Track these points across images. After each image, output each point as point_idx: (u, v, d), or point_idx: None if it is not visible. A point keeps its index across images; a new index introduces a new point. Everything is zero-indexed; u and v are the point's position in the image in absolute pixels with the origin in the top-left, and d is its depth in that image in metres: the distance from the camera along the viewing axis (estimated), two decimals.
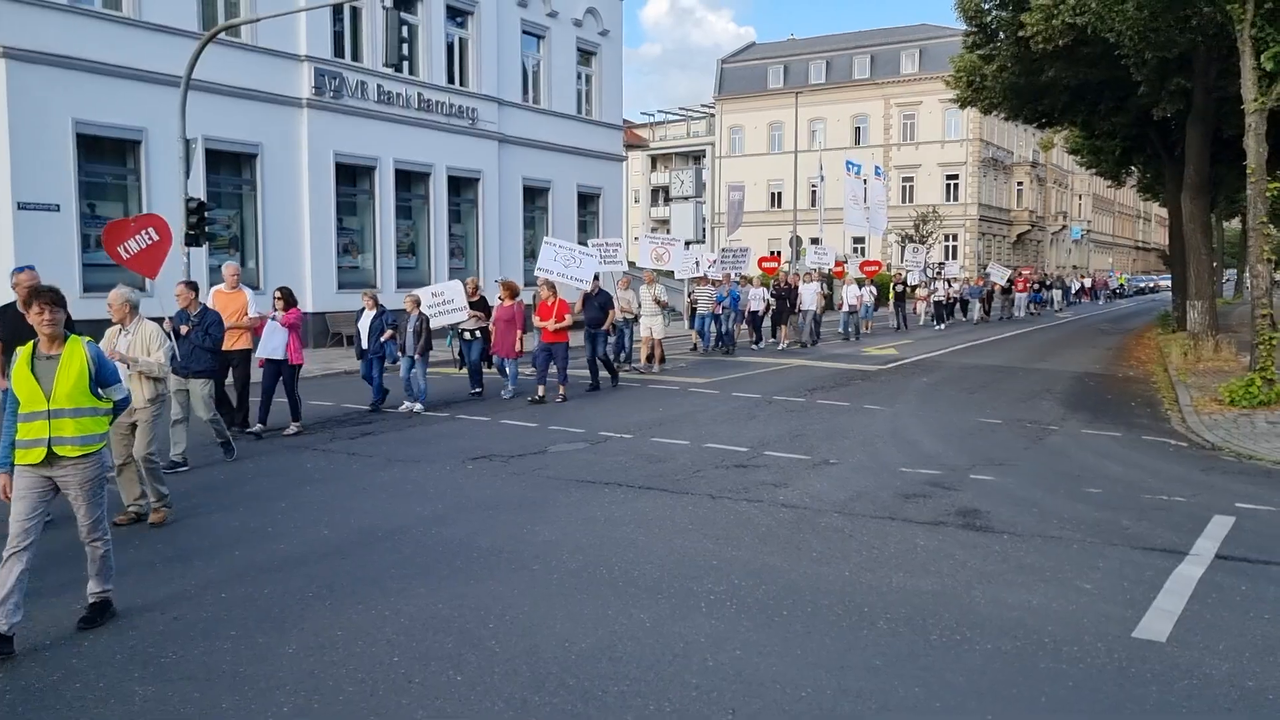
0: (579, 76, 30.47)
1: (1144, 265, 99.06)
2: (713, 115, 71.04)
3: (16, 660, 4.93)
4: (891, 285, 33.59)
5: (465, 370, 15.33)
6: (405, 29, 23.24)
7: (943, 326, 31.91)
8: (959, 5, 23.51)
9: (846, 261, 38.11)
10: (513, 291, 14.62)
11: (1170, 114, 21.74)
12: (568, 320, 14.32)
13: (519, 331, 14.30)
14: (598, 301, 15.86)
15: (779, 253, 47.80)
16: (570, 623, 5.48)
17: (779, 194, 66.15)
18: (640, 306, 18.37)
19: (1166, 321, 29.74)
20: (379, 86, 23.56)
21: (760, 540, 7.17)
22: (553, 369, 14.42)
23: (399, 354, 13.58)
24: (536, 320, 14.30)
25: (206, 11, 20.16)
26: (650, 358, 18.61)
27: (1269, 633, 5.42)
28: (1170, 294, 34.38)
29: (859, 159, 46.80)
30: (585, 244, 19.92)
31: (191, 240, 16.64)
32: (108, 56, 18.28)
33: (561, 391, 14.26)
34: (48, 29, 17.42)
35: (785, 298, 23.74)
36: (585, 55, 30.73)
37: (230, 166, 21.28)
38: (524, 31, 28.14)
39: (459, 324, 14.95)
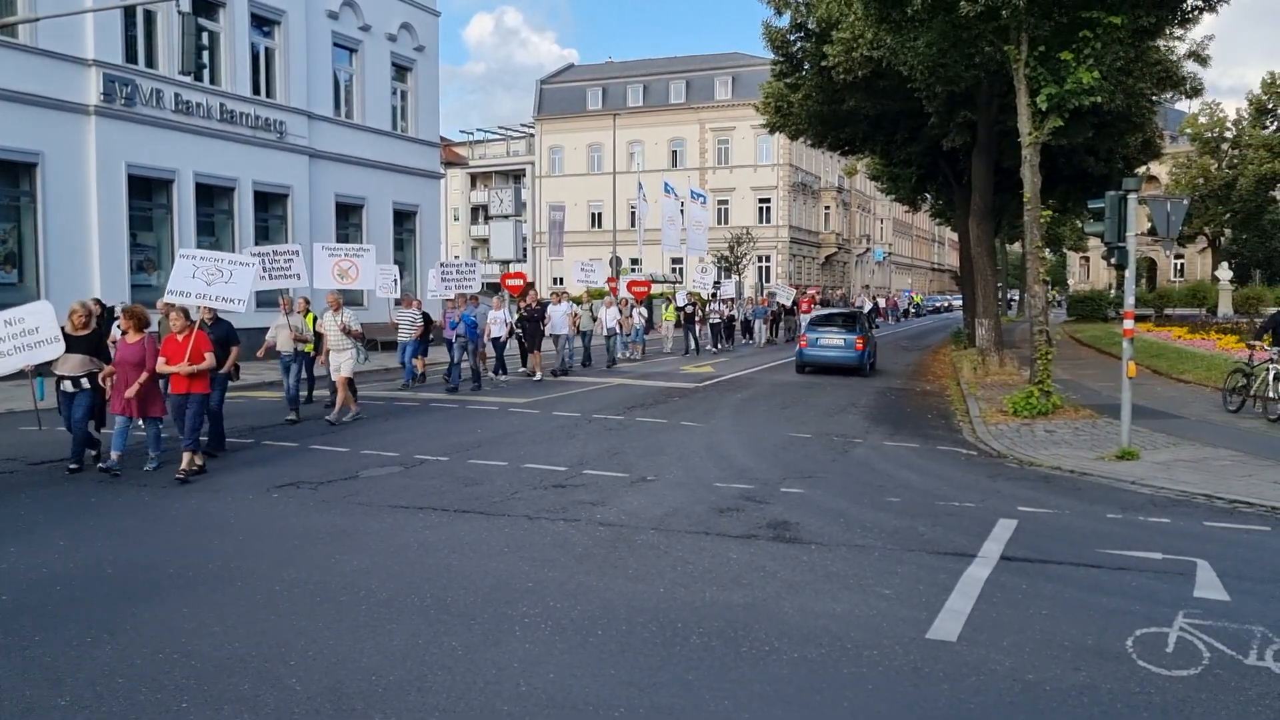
0: (394, 92, 29.83)
1: (940, 285, 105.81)
2: (533, 135, 71.13)
3: None
4: (675, 306, 31.68)
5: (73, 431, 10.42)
6: (205, 36, 22.11)
7: (716, 349, 30.04)
8: (766, 35, 24.55)
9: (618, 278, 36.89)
10: (140, 321, 10.38)
11: (958, 144, 23.35)
12: (208, 360, 10.23)
13: (146, 377, 10.04)
14: (213, 334, 11.08)
15: (643, 274, 48.00)
16: (379, 655, 5.27)
17: (599, 214, 66.89)
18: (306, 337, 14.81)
19: (959, 338, 31.80)
20: (177, 95, 22.29)
21: (577, 560, 7.15)
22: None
23: None
24: (162, 363, 10.10)
25: None
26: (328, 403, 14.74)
27: (1046, 628, 5.83)
28: (961, 312, 36.71)
29: (676, 181, 47.88)
30: (294, 255, 16.04)
31: None
32: None
33: (185, 464, 9.96)
34: None
35: (537, 320, 20.93)
36: (401, 70, 30.12)
37: (6, 177, 19.59)
38: (335, 44, 27.30)
39: (52, 365, 10.45)
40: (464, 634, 5.61)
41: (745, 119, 59.77)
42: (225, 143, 23.62)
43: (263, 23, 25.01)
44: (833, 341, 22.65)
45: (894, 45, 17.38)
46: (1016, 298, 64.93)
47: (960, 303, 41.05)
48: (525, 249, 42.91)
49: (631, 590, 6.46)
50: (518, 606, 6.08)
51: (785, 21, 24.07)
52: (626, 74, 68.46)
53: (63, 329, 10.29)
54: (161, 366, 10.14)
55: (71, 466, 10.22)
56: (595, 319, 24.65)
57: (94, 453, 10.66)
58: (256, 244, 24.70)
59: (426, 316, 19.69)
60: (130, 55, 21.59)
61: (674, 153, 65.71)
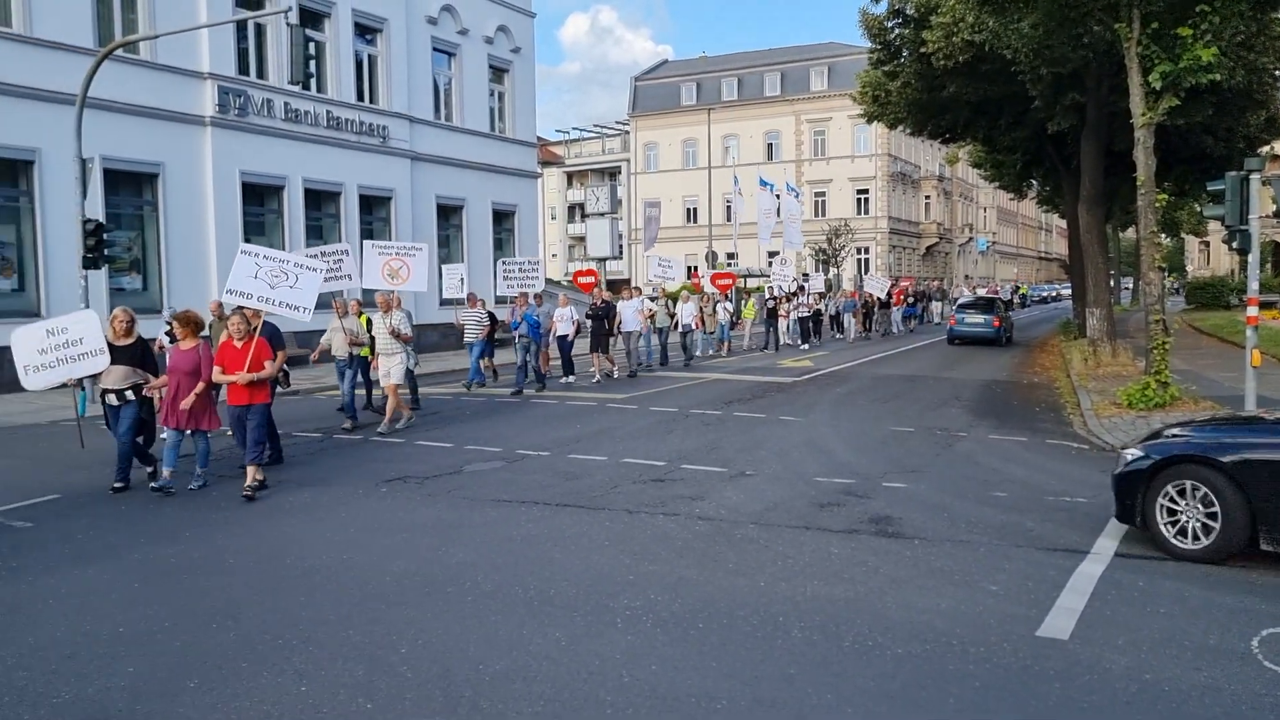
0: (492, 93, 30.35)
1: (1047, 274, 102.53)
2: (628, 132, 71.45)
3: None
4: (763, 301, 30.35)
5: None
6: (312, 46, 22.93)
7: (806, 346, 28.65)
8: (863, 23, 24.14)
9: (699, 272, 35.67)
10: (195, 327, 9.78)
11: (1065, 128, 22.59)
12: (269, 369, 9.60)
13: (203, 386, 9.49)
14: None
15: (719, 266, 47.87)
16: (484, 645, 5.40)
17: (694, 210, 66.78)
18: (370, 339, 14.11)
19: (1068, 329, 30.78)
20: (286, 104, 23.12)
21: (677, 554, 7.18)
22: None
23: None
24: (218, 372, 9.49)
25: (103, 27, 19.54)
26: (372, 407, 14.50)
27: (1165, 626, 5.62)
28: (1071, 302, 35.51)
29: (772, 174, 47.54)
30: (345, 254, 15.16)
31: (90, 263, 16.09)
32: None
33: (250, 480, 9.33)
34: None
35: (603, 318, 19.76)
36: (497, 72, 30.62)
37: (130, 187, 20.62)
38: (435, 49, 27.93)
39: (96, 378, 9.89)
40: (567, 625, 5.70)
41: (842, 109, 58.94)
42: (332, 148, 24.40)
43: (365, 31, 25.74)
44: (976, 320, 28.86)
45: (996, 28, 16.91)
46: (1130, 286, 62.47)
47: (1069, 292, 39.66)
48: (621, 246, 43.20)
49: (732, 584, 6.47)
50: (619, 599, 6.14)
51: (883, 8, 23.64)
52: (720, 68, 68.19)
53: (106, 339, 9.67)
54: (218, 376, 9.42)
55: (116, 485, 9.45)
56: (672, 315, 23.89)
57: (149, 470, 9.92)
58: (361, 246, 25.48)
59: (492, 316, 19.29)
60: (242, 67, 22.49)
61: (769, 146, 65.17)
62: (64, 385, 9.78)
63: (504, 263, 20.64)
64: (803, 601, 6.09)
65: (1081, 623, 5.68)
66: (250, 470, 9.37)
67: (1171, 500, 6.97)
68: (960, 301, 33.65)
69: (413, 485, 9.77)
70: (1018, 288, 67.85)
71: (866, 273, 56.89)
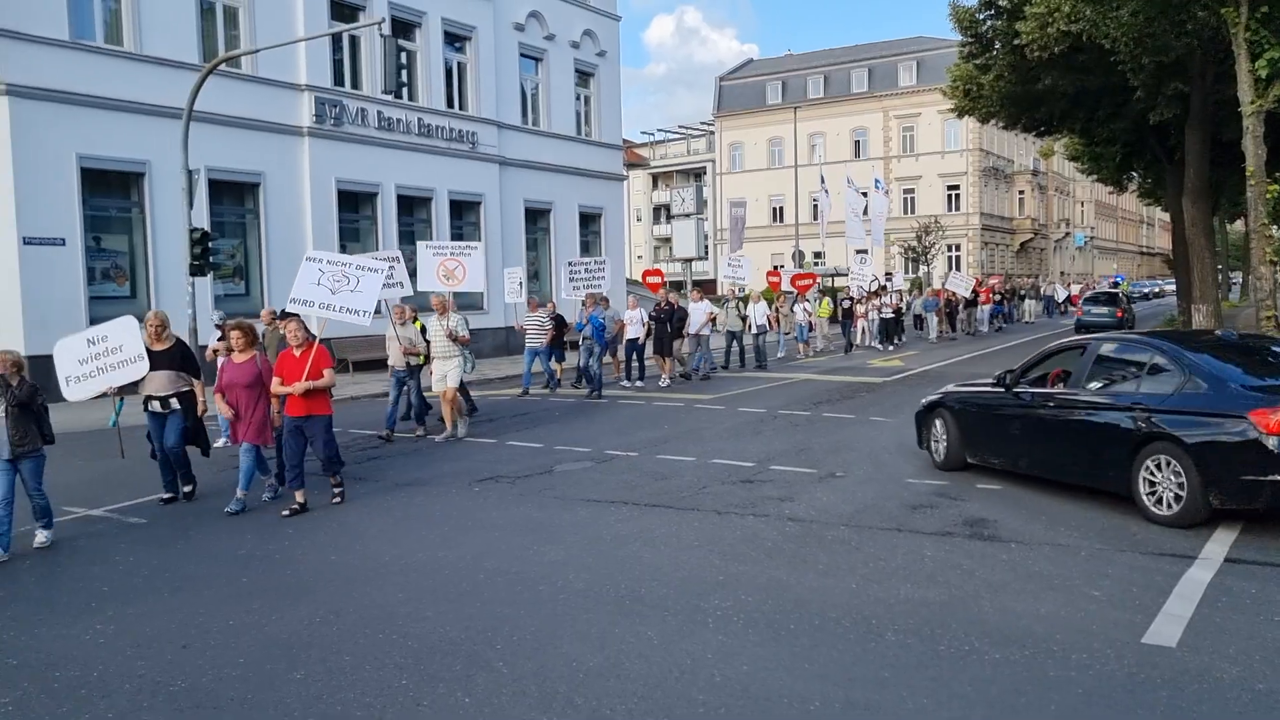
0: (578, 97, 30.66)
1: (1149, 270, 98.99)
2: (712, 133, 71.33)
3: (30, 693, 4.95)
4: (837, 301, 29.16)
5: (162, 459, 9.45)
6: (404, 55, 23.46)
7: (891, 347, 27.87)
8: (954, 16, 23.70)
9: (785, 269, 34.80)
10: (252, 338, 9.32)
11: (1168, 118, 21.81)
12: (328, 378, 9.04)
13: (265, 399, 9.13)
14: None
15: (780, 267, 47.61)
16: (578, 642, 5.47)
17: (780, 209, 66.35)
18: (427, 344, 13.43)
19: (1172, 326, 29.69)
20: (379, 113, 23.73)
21: (767, 555, 7.16)
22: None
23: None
24: (276, 384, 9.05)
25: (207, 44, 20.37)
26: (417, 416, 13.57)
27: (1279, 635, 5.39)
28: (1175, 299, 34.36)
29: (859, 172, 46.93)
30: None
31: (196, 270, 16.77)
32: (110, 91, 18.45)
33: (336, 493, 9.22)
34: (50, 65, 17.59)
35: (666, 321, 19.05)
36: (583, 76, 30.92)
37: (233, 196, 21.42)
38: (522, 54, 28.34)
39: (137, 386, 9.31)
40: (658, 624, 5.73)
41: (931, 105, 57.86)
42: (423, 155, 24.96)
43: (455, 39, 26.26)
44: (1100, 311, 33.06)
45: (1094, 17, 16.44)
46: (1239, 281, 59.89)
47: (1173, 288, 38.35)
48: (707, 246, 43.17)
49: (823, 585, 6.42)
50: (709, 599, 6.15)
51: (974, 0, 23.16)
52: (806, 66, 67.59)
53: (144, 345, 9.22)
54: (277, 387, 9.00)
55: (165, 496, 9.30)
56: (743, 317, 23.15)
57: (188, 489, 9.50)
58: None
59: (560, 319, 18.88)
60: (337, 78, 23.17)
61: (857, 143, 64.34)
62: (103, 395, 9.18)
63: (570, 263, 20.26)
64: (896, 604, 6.02)
65: (1190, 630, 5.49)
66: (333, 480, 9.20)
67: (933, 427, 10.52)
68: (1087, 295, 38.71)
69: (504, 485, 9.94)
70: (1116, 284, 65.47)
71: (957, 270, 55.71)
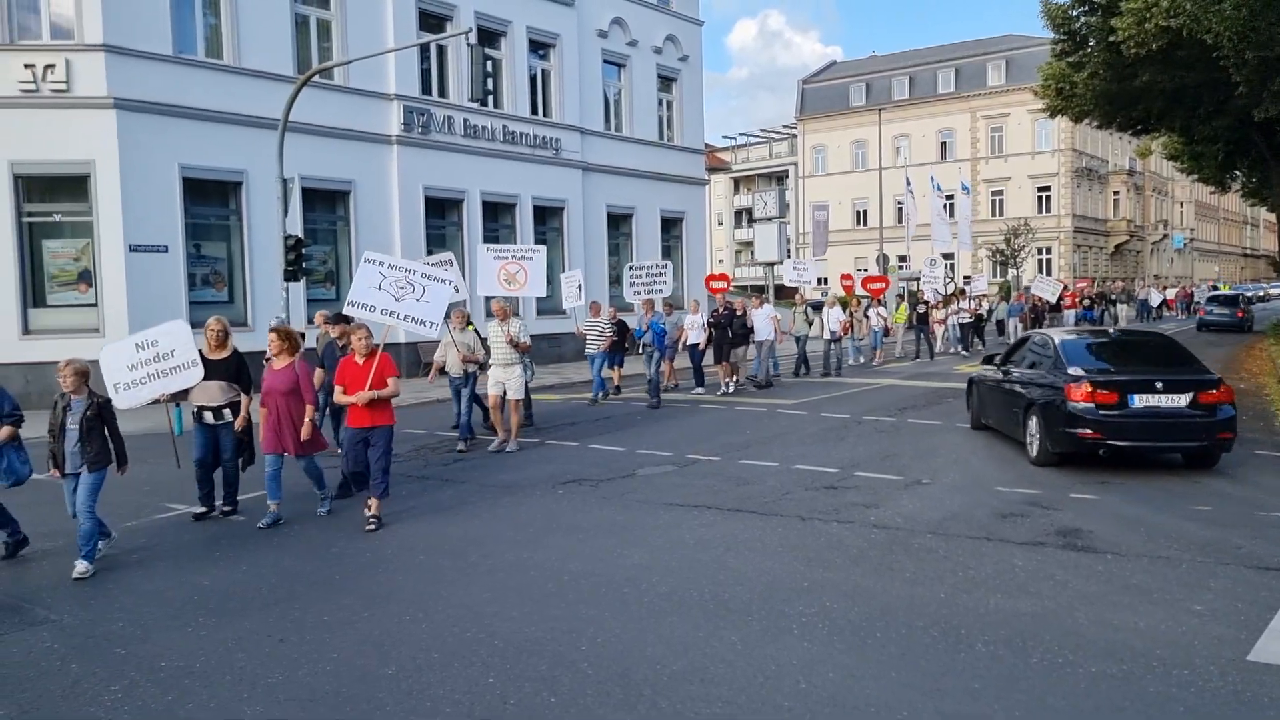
0: (660, 103, 30.74)
1: (1253, 272, 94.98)
2: (794, 136, 70.80)
3: (137, 681, 5.16)
4: (912, 305, 28.66)
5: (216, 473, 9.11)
6: (489, 64, 23.81)
7: (967, 352, 27.05)
8: (1046, 13, 23.13)
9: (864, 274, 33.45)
10: (293, 344, 9.00)
11: (1274, 115, 20.91)
12: (392, 387, 8.66)
13: (306, 410, 8.75)
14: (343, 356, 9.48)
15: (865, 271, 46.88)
16: (661, 645, 5.48)
17: (864, 212, 65.49)
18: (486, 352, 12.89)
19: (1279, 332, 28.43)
20: (465, 121, 24.14)
21: (852, 562, 7.08)
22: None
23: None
24: (339, 392, 8.72)
25: (301, 56, 20.98)
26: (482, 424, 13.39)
27: None
28: None
29: (945, 173, 46.06)
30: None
31: (290, 276, 17.27)
32: (210, 103, 19.14)
33: (371, 519, 8.52)
34: (155, 79, 18.32)
35: (726, 327, 18.34)
36: (666, 81, 30.98)
37: (325, 203, 22.01)
38: (605, 61, 28.53)
39: (189, 393, 8.87)
40: (742, 629, 5.71)
41: (1021, 104, 56.51)
42: (507, 162, 25.29)
43: (539, 47, 26.57)
44: (1222, 311, 35.68)
45: (1195, 11, 15.90)
46: None
47: (1279, 291, 36.94)
48: (789, 250, 42.84)
49: (910, 594, 6.32)
50: (794, 605, 6.11)
51: None
52: (891, 67, 66.63)
53: (200, 351, 8.82)
54: (339, 396, 8.66)
55: (225, 509, 8.98)
56: (811, 322, 22.29)
57: (227, 508, 9.07)
58: None
59: (622, 324, 18.22)
60: (425, 87, 23.64)
61: (943, 144, 63.14)
62: (157, 402, 8.74)
63: (630, 268, 19.72)
64: (986, 614, 5.89)
65: None
66: (374, 503, 8.55)
67: (970, 397, 13.64)
68: (1209, 296, 41.70)
69: (588, 488, 10.01)
70: (1215, 287, 62.81)
71: (1045, 274, 54.20)
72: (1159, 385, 10.03)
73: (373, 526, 8.38)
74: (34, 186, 18.02)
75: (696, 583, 6.63)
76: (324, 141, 21.10)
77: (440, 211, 24.30)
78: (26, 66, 17.36)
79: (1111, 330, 14.61)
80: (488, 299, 17.13)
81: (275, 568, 7.35)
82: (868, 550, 7.38)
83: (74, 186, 18.01)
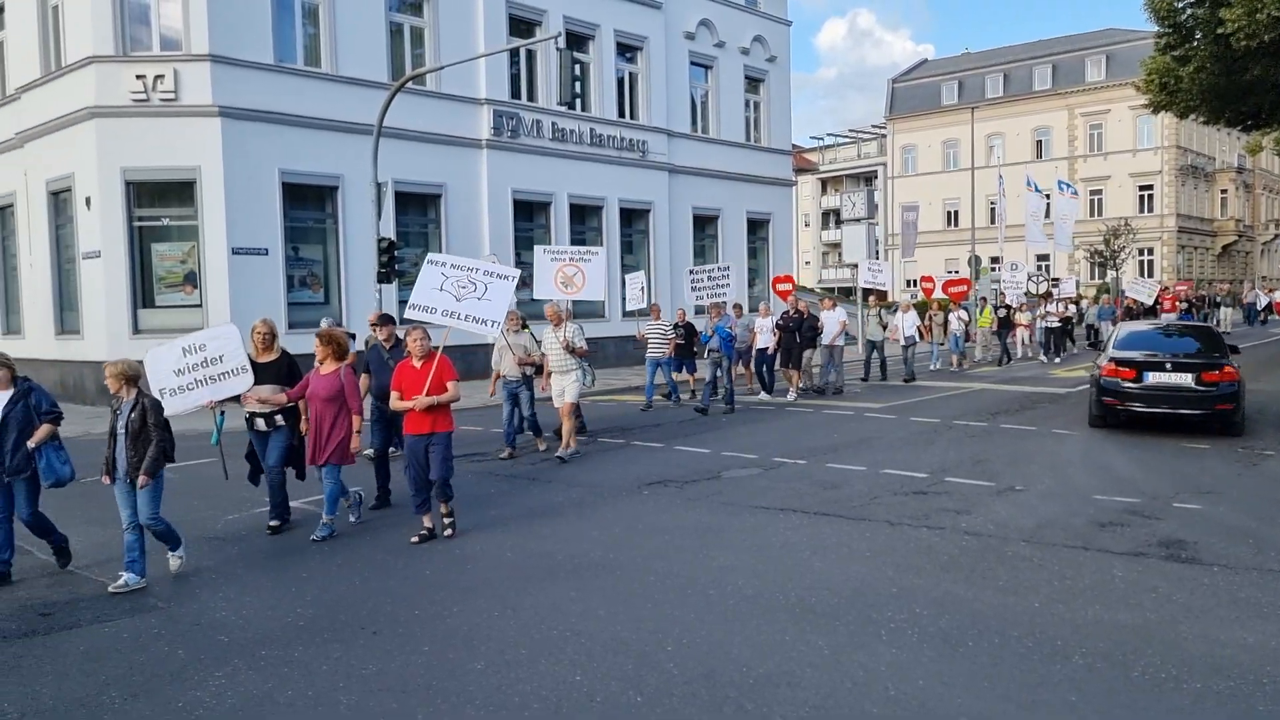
0: (747, 104, 30.61)
1: None
2: (884, 136, 69.74)
3: (239, 668, 5.35)
4: (994, 310, 27.38)
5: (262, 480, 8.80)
6: (578, 67, 24.04)
7: (1059, 359, 25.95)
8: (1149, 6, 22.29)
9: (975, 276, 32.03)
10: (339, 349, 8.51)
11: None
12: (452, 391, 8.25)
13: (354, 420, 8.33)
14: (394, 359, 9.43)
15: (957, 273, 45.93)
16: (748, 648, 5.46)
17: (955, 212, 64.10)
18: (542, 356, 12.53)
19: None
20: (553, 124, 24.40)
21: (942, 569, 6.95)
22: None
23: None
24: (396, 399, 8.34)
25: (395, 63, 21.48)
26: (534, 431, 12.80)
27: None
28: None
29: (1041, 172, 44.81)
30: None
31: (383, 278, 17.70)
32: (308, 109, 19.74)
33: (448, 524, 8.30)
34: (256, 87, 18.97)
35: (794, 330, 17.71)
36: (753, 82, 30.83)
37: (417, 206, 22.48)
38: (692, 63, 28.53)
39: (240, 400, 8.49)
40: (829, 634, 5.66)
41: (1121, 100, 54.63)
42: (594, 164, 25.48)
43: (626, 50, 26.71)
44: None
45: None
46: None
47: None
48: (878, 251, 42.20)
49: (1002, 603, 6.17)
50: (882, 611, 6.02)
51: None
52: (984, 64, 65.10)
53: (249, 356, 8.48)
54: (395, 402, 8.31)
55: (272, 524, 8.54)
56: (884, 325, 21.36)
57: (275, 523, 8.58)
58: (624, 258, 26.39)
59: (690, 328, 17.65)
60: (514, 91, 23.97)
61: (1038, 143, 61.41)
62: (207, 408, 8.31)
63: (691, 271, 19.28)
64: (1083, 625, 5.72)
65: None
66: (444, 507, 8.26)
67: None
68: None
69: (673, 489, 10.03)
70: None
71: (1150, 276, 52.29)
72: (1168, 365, 12.65)
73: (449, 533, 8.19)
74: (144, 191, 18.83)
75: (782, 586, 6.58)
76: (416, 146, 21.55)
77: (529, 214, 24.60)
78: (138, 77, 18.15)
79: (1165, 323, 17.51)
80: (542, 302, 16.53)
81: (371, 560, 7.53)
82: (959, 557, 7.23)
83: (181, 191, 18.76)
